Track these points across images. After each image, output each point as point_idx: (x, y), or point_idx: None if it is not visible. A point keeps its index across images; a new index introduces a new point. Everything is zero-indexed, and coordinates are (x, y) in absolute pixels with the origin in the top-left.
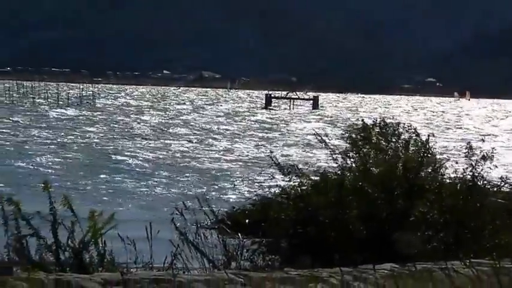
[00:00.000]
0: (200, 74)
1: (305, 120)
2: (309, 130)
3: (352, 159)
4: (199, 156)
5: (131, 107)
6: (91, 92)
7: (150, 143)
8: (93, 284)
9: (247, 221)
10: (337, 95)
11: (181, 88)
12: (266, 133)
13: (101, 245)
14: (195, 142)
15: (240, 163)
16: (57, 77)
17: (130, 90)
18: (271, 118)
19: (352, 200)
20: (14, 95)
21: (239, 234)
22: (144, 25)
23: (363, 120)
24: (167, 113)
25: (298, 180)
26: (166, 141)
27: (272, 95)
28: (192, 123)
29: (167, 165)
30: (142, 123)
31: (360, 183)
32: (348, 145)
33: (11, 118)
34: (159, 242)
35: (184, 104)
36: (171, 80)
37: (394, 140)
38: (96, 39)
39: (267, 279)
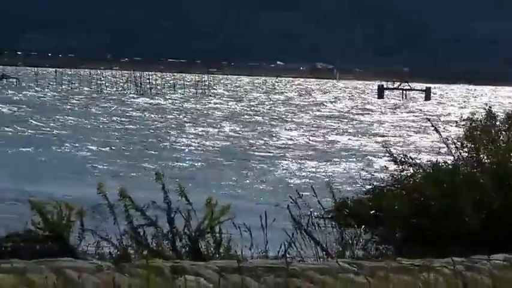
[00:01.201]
0: (313, 65)
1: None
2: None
3: (466, 150)
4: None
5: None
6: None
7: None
8: (209, 271)
9: (361, 210)
10: (448, 85)
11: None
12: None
13: (217, 233)
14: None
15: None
16: (174, 67)
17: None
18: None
19: (465, 190)
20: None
21: (353, 223)
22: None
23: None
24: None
25: (411, 170)
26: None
27: (384, 86)
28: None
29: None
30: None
31: (474, 174)
32: (464, 135)
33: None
34: (274, 230)
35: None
36: (284, 71)
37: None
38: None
39: (380, 268)
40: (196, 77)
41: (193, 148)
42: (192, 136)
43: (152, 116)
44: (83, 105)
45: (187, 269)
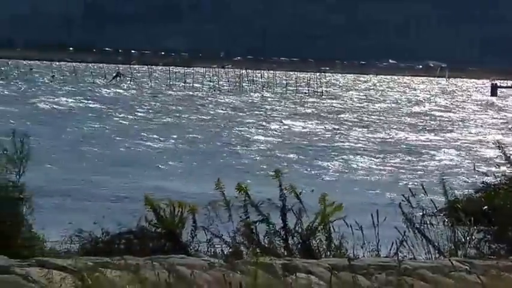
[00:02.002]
0: (426, 64)
1: None
2: None
3: None
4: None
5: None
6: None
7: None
8: (321, 269)
9: (473, 209)
10: None
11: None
12: None
13: (329, 231)
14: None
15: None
16: (286, 65)
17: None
18: None
19: None
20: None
21: (466, 222)
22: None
23: None
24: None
25: None
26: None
27: (498, 84)
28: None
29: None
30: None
31: None
32: None
33: None
34: (385, 228)
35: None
36: (397, 70)
37: None
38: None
39: (492, 267)
40: (309, 75)
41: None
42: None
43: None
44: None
45: (299, 267)
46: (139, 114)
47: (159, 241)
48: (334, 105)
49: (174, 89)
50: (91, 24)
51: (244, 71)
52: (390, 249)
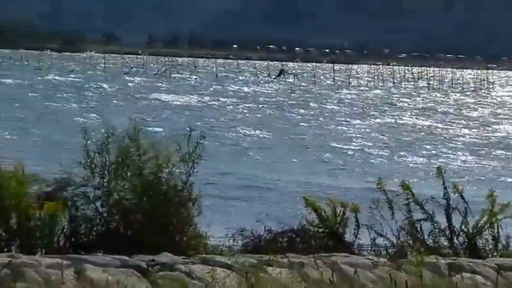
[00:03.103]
0: None
1: None
2: None
3: None
4: None
5: None
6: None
7: None
8: (487, 269)
9: None
10: None
11: None
12: None
13: (495, 230)
14: None
15: None
16: (451, 62)
17: None
18: None
19: None
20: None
21: None
22: None
23: None
24: None
25: None
26: None
27: None
28: None
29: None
30: None
31: None
32: None
33: None
34: None
35: None
36: None
37: None
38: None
39: None
40: (475, 73)
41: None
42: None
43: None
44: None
45: (464, 267)
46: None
47: (321, 239)
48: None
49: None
50: (254, 21)
51: (409, 68)
52: None
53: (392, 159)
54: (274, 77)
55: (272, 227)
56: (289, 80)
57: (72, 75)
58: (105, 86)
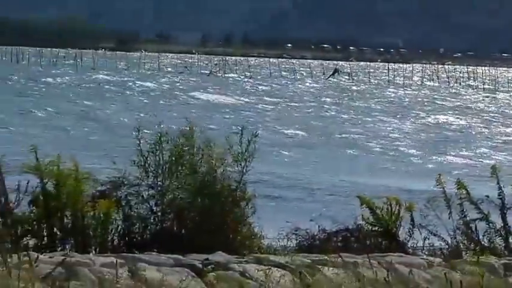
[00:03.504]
0: None
1: None
2: None
3: None
4: None
5: None
6: None
7: None
8: None
9: None
10: None
11: None
12: None
13: None
14: None
15: None
16: (507, 62)
17: None
18: None
19: None
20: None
21: None
22: None
23: None
24: None
25: None
26: None
27: None
28: None
29: None
30: None
31: None
32: None
33: None
34: None
35: None
36: None
37: None
38: None
39: None
40: None
41: None
42: None
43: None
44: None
45: None
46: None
47: (376, 239)
48: None
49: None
50: (308, 20)
51: (463, 67)
52: None
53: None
54: (328, 76)
55: (326, 226)
56: (343, 79)
57: (121, 75)
58: (154, 85)
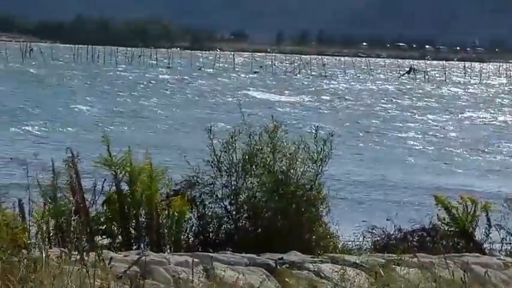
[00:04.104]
0: None
1: None
2: None
3: None
4: None
5: None
6: None
7: None
8: None
9: None
10: None
11: None
12: None
13: None
14: None
15: None
16: None
17: None
18: None
19: None
20: None
21: None
22: None
23: None
24: None
25: None
26: None
27: None
28: None
29: None
30: None
31: None
32: None
33: None
34: None
35: None
36: None
37: None
38: None
39: None
40: None
41: None
42: None
43: None
44: None
45: None
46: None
47: (452, 239)
48: None
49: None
50: (383, 19)
51: None
52: None
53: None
54: (402, 74)
55: (401, 225)
56: (417, 78)
57: (194, 73)
58: (228, 81)
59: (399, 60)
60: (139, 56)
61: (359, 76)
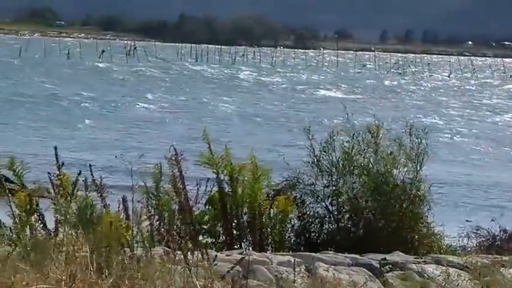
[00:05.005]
0: None
1: None
2: None
3: None
4: None
5: None
6: None
7: None
8: None
9: None
10: None
11: None
12: None
13: None
14: None
15: None
16: None
17: None
18: None
19: None
20: None
21: None
22: None
23: None
24: None
25: None
26: None
27: None
28: None
29: None
30: None
31: None
32: None
33: None
34: None
35: None
36: None
37: None
38: None
39: None
40: None
41: None
42: None
43: None
44: None
45: None
46: None
47: None
48: None
49: None
50: (490, 17)
51: None
52: None
53: None
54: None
55: (508, 226)
56: None
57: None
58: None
59: (506, 59)
60: (242, 55)
61: (466, 75)
